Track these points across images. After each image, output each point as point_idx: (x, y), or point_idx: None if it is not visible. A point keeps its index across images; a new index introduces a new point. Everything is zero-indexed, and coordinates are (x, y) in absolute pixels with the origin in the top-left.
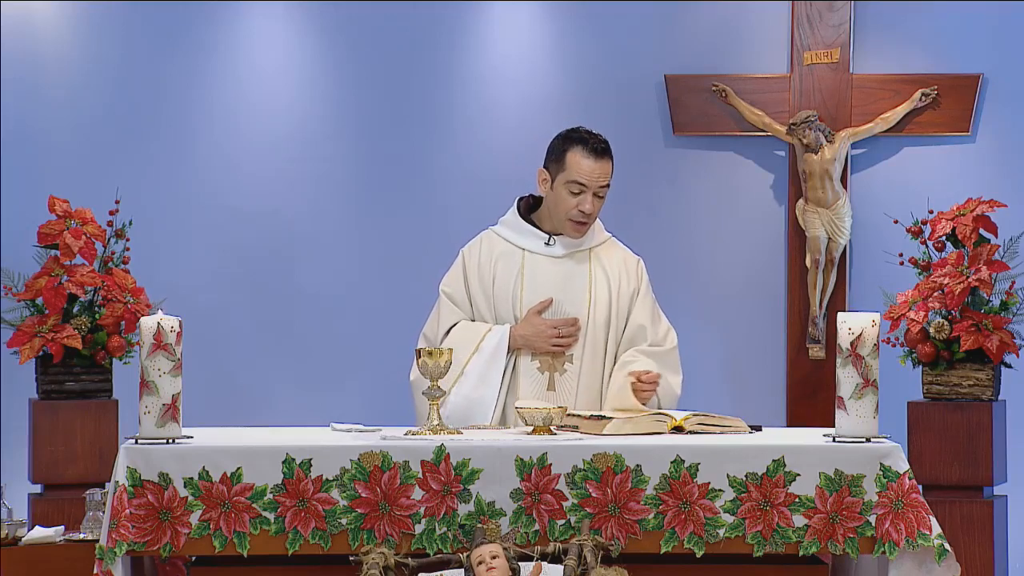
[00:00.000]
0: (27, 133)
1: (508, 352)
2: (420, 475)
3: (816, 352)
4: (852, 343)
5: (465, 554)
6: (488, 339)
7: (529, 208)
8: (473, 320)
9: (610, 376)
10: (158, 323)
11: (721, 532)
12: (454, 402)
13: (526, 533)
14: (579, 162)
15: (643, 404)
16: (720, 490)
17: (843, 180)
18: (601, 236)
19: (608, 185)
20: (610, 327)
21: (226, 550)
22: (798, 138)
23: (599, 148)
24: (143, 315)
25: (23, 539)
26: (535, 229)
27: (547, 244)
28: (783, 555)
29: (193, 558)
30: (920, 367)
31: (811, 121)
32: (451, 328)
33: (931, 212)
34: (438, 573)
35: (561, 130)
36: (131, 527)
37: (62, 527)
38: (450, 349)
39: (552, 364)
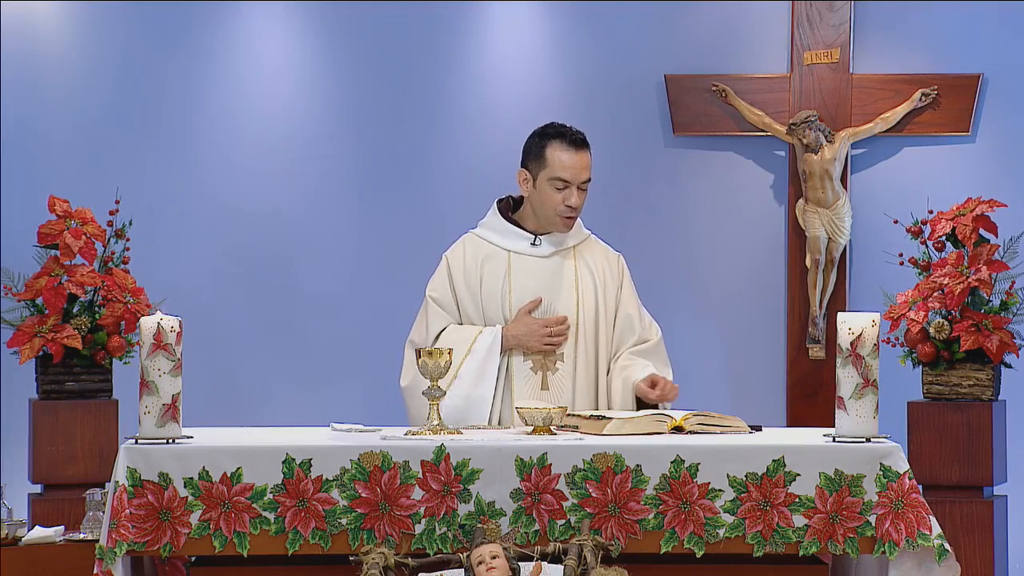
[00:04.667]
0: (27, 133)
1: (501, 352)
2: (420, 475)
3: (816, 352)
4: (852, 343)
5: (465, 554)
6: (481, 340)
7: (509, 209)
8: (460, 323)
9: (607, 374)
10: (158, 323)
11: (721, 532)
12: (451, 404)
13: (526, 533)
14: (560, 157)
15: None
16: (720, 490)
17: (843, 180)
18: (582, 234)
19: (590, 179)
20: (599, 323)
21: (226, 550)
22: (798, 138)
23: (577, 140)
24: (143, 315)
25: (23, 539)
26: (519, 230)
27: (533, 244)
28: (783, 555)
29: (193, 558)
30: (920, 367)
31: (811, 121)
32: (440, 332)
33: (931, 212)
34: (438, 573)
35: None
36: (131, 527)
37: (62, 527)
38: (450, 349)
39: (544, 363)
